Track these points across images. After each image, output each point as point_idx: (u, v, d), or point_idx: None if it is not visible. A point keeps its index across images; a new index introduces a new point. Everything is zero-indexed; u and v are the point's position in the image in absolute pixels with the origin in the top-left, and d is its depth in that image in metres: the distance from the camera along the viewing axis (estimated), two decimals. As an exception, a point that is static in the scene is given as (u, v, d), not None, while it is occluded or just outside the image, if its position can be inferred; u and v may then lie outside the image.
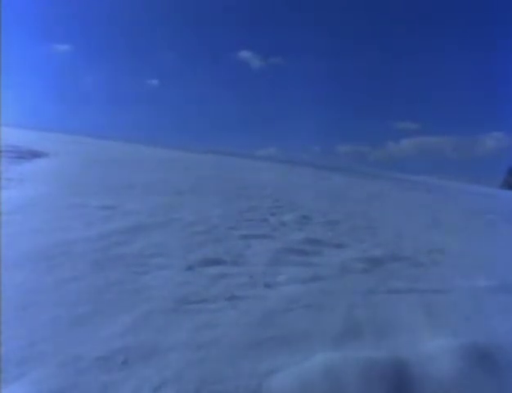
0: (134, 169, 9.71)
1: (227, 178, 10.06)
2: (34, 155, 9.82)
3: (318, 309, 2.36)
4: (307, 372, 1.66)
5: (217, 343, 1.86)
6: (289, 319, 2.19)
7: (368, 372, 1.68)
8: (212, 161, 16.59)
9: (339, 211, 6.59)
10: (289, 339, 1.96)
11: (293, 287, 2.69)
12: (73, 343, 1.74)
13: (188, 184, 7.86)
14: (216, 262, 3.01)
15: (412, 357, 1.84)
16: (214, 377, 1.60)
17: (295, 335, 2.01)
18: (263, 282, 2.69)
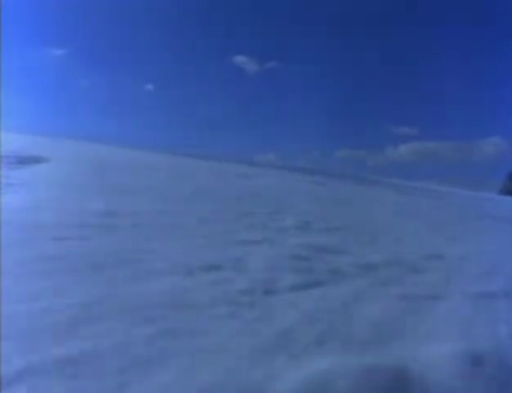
0: (134, 174, 9.72)
1: (227, 183, 10.07)
2: (33, 160, 9.82)
3: (318, 316, 2.36)
4: (307, 379, 1.66)
5: (216, 350, 1.85)
6: (289, 325, 2.19)
7: (367, 379, 1.68)
8: (211, 167, 16.62)
9: (339, 217, 6.60)
10: (288, 345, 1.96)
11: (293, 293, 2.68)
12: (70, 348, 1.73)
13: (188, 190, 7.87)
14: (215, 268, 3.00)
15: (411, 363, 1.84)
16: (212, 385, 1.60)
17: (294, 341, 2.01)
18: (263, 288, 2.68)
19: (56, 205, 4.80)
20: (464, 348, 1.99)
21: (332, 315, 2.38)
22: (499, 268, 4.16)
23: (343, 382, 1.65)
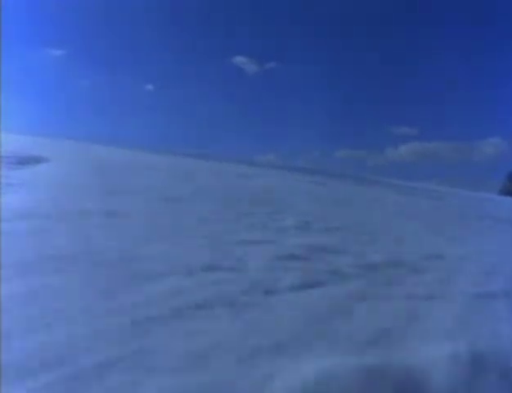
0: (134, 174, 9.73)
1: (227, 183, 10.08)
2: (33, 160, 9.82)
3: (318, 316, 2.36)
4: (306, 379, 1.66)
5: (216, 350, 1.85)
6: (289, 326, 2.19)
7: (367, 379, 1.68)
8: (211, 167, 16.62)
9: (339, 217, 6.60)
10: (288, 345, 1.96)
11: (292, 294, 2.68)
12: (70, 349, 1.73)
13: (188, 190, 7.87)
14: (215, 268, 3.00)
15: (411, 363, 1.83)
16: (212, 385, 1.60)
17: (295, 341, 2.01)
18: (263, 288, 2.68)
19: (56, 205, 4.80)
20: (464, 348, 1.99)
21: (332, 315, 2.38)
22: (499, 269, 4.16)
23: (343, 382, 1.65)
